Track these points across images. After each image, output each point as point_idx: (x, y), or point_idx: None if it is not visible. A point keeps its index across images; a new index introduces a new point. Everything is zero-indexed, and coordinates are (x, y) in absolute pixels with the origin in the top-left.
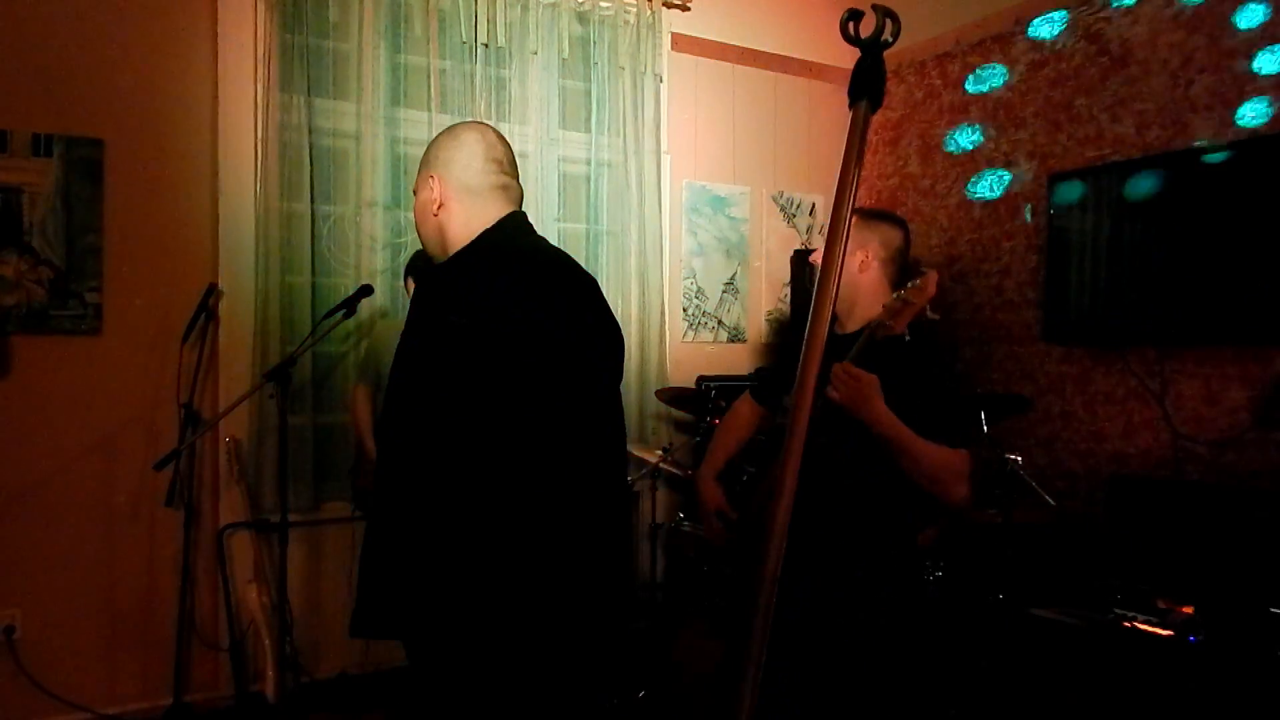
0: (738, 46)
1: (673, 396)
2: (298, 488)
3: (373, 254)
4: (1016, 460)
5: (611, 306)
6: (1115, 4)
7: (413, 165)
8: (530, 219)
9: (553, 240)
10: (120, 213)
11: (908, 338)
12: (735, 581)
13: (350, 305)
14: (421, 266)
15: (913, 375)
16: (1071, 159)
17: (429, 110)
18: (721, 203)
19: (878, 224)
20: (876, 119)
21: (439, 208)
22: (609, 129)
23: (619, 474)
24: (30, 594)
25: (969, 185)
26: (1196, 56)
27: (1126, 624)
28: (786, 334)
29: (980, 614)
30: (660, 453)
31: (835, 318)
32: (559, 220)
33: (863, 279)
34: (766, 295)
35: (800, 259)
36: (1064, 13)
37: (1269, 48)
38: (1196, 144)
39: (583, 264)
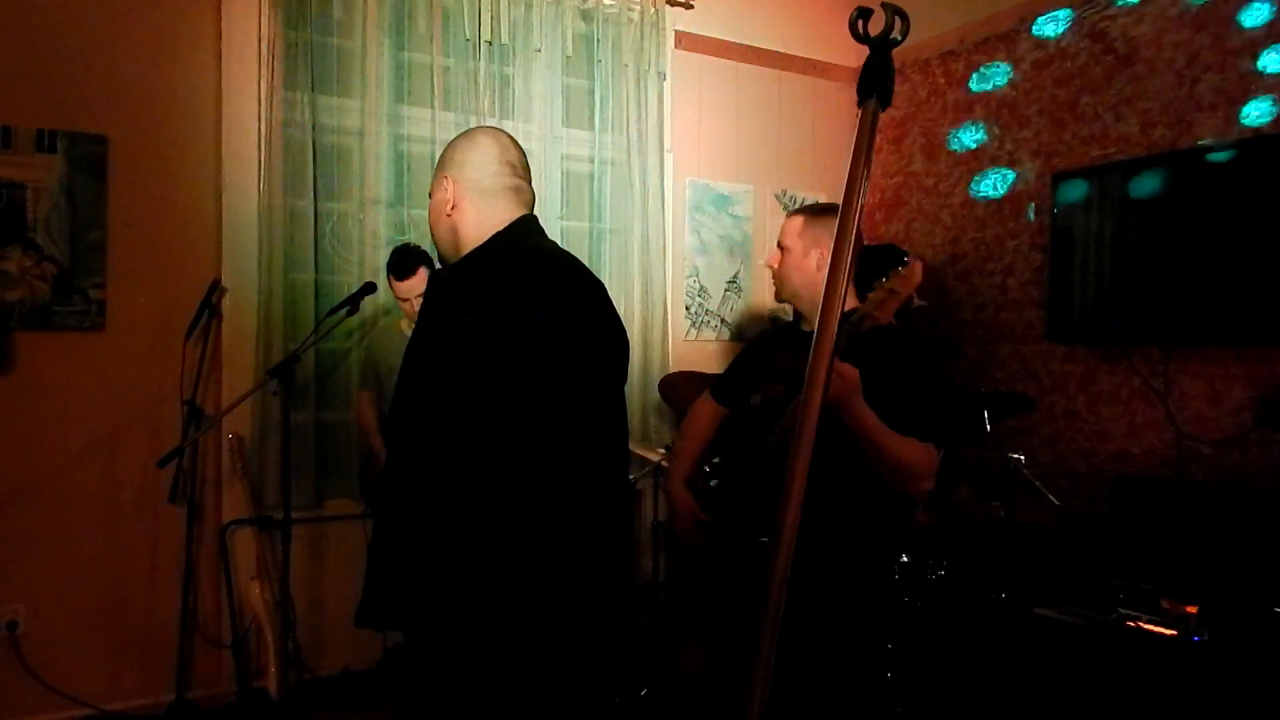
0: (741, 44)
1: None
2: (300, 484)
3: (376, 251)
4: (1020, 459)
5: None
6: (1120, 2)
7: (416, 162)
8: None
9: (556, 238)
10: (124, 209)
11: (896, 325)
12: (716, 585)
13: (353, 302)
14: (396, 262)
15: (891, 367)
16: (1076, 158)
17: (432, 107)
18: (725, 201)
19: (825, 220)
20: (880, 117)
21: (452, 208)
22: (612, 127)
23: (620, 473)
24: (33, 589)
25: (973, 184)
26: (1201, 55)
27: (1130, 624)
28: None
29: (983, 613)
30: (663, 451)
31: (800, 316)
32: (562, 218)
33: (821, 277)
34: (769, 294)
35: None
36: (1068, 11)
37: (1274, 47)
38: (1201, 143)
39: (585, 262)
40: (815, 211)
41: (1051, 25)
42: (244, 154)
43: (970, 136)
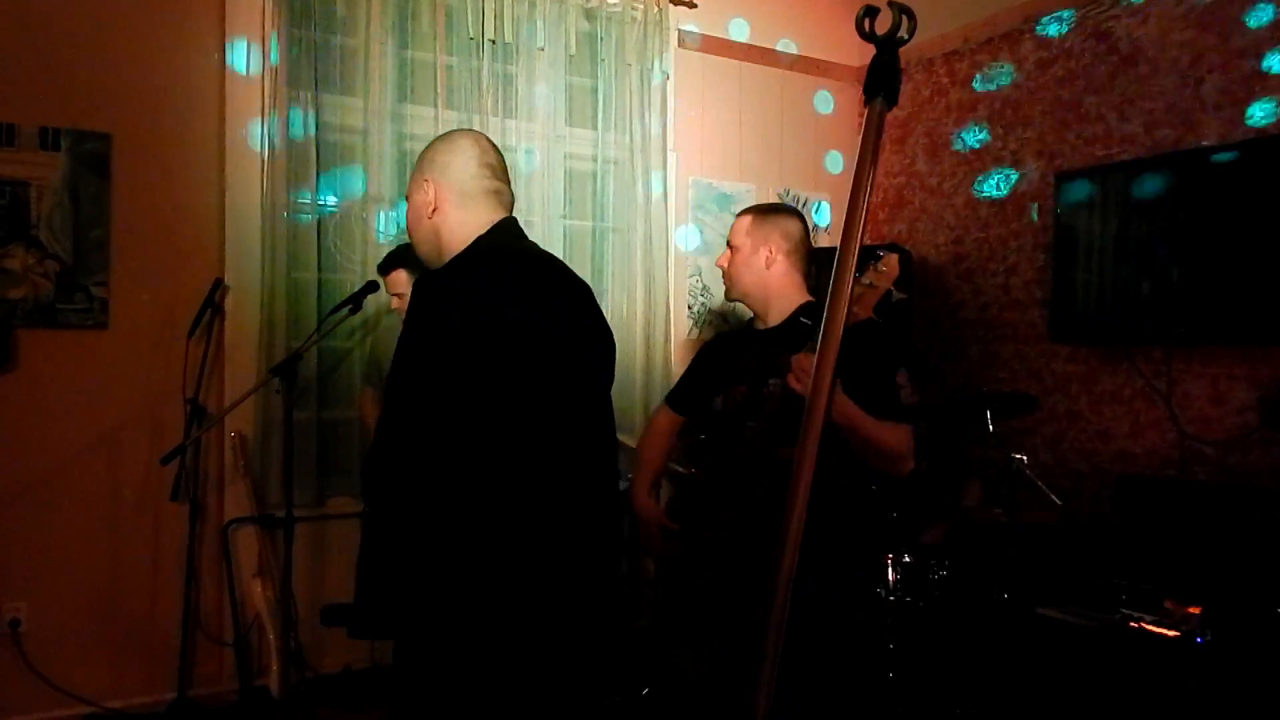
0: (744, 44)
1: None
2: (302, 483)
3: (379, 250)
4: (1022, 459)
5: (616, 303)
6: (1124, 2)
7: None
8: (536, 216)
9: (558, 237)
10: (127, 207)
11: (876, 320)
12: (688, 591)
13: (356, 301)
14: (386, 263)
15: (870, 358)
16: (1079, 158)
17: (435, 106)
18: (728, 200)
19: (774, 218)
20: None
21: (434, 211)
22: (615, 126)
23: (612, 475)
24: (35, 587)
25: (976, 184)
26: (1206, 56)
27: (1133, 624)
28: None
29: (986, 614)
30: None
31: (755, 316)
32: (565, 217)
33: (772, 274)
34: None
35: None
36: (1072, 11)
37: (1279, 47)
38: (1205, 143)
39: (588, 261)
40: (763, 210)
41: (1055, 25)
42: (247, 152)
43: (974, 136)
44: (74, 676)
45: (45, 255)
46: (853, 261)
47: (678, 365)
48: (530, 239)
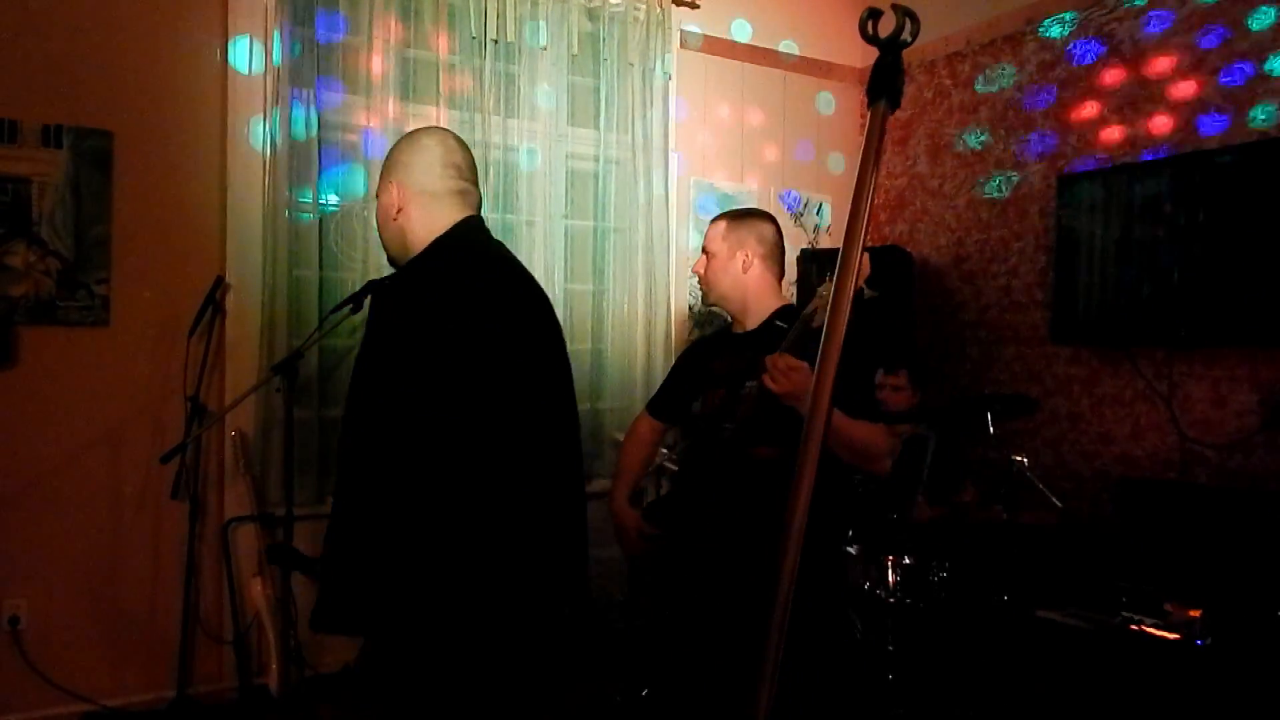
0: (747, 44)
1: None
2: (303, 481)
3: (380, 249)
4: (1023, 461)
5: (617, 304)
6: (1126, 4)
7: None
8: (538, 216)
9: (559, 238)
10: (129, 204)
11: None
12: (667, 593)
13: (357, 300)
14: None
15: (842, 358)
16: (1081, 160)
17: (438, 105)
18: (729, 201)
19: (749, 222)
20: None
21: (398, 212)
22: (617, 126)
23: (576, 471)
24: (35, 585)
25: (977, 185)
26: (1208, 58)
27: (1133, 627)
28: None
29: (986, 615)
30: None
31: (732, 320)
32: (566, 217)
33: (748, 278)
34: None
35: (807, 258)
36: (1075, 13)
37: None
38: (1207, 146)
39: (589, 261)
40: (738, 215)
41: (1058, 27)
42: (249, 150)
43: (975, 138)
44: (73, 674)
45: (46, 252)
46: (855, 264)
47: None
48: (495, 239)
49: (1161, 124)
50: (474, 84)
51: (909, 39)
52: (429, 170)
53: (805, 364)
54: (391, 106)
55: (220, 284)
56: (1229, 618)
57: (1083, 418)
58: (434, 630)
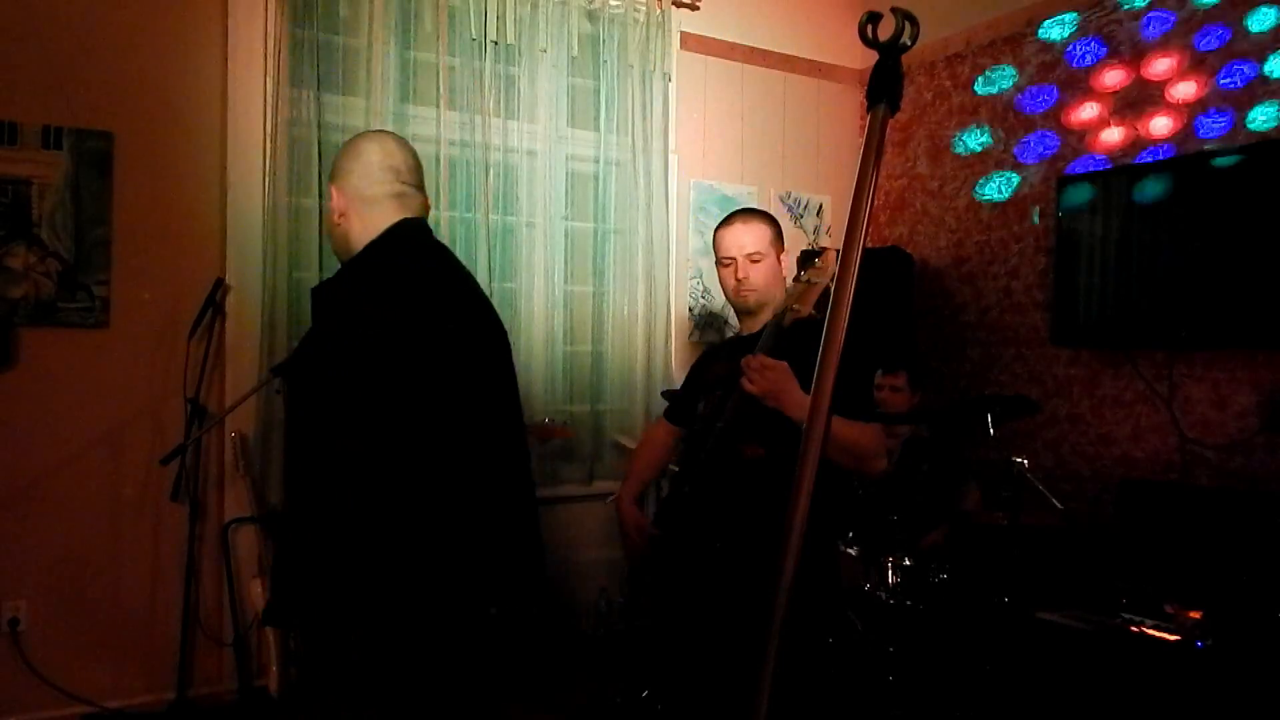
0: (746, 46)
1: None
2: None
3: None
4: (1023, 463)
5: (617, 305)
6: (1126, 6)
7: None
8: (538, 217)
9: (559, 239)
10: (129, 206)
11: (818, 316)
12: (664, 595)
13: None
14: None
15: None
16: (1081, 161)
17: (438, 107)
18: (729, 203)
19: (777, 224)
20: None
21: (340, 217)
22: (617, 127)
23: (523, 462)
24: (35, 586)
25: (977, 187)
26: (1208, 59)
27: (1134, 628)
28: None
29: (986, 617)
30: None
31: (742, 322)
32: (566, 219)
33: (782, 281)
34: None
35: (808, 259)
36: (1075, 14)
37: None
38: (1207, 147)
39: (590, 263)
40: (769, 217)
41: (1058, 28)
42: (249, 152)
43: (975, 139)
44: (73, 676)
45: (47, 254)
46: (855, 266)
47: (678, 368)
48: (433, 238)
49: (1161, 125)
50: (474, 85)
51: (909, 43)
52: (365, 176)
53: (781, 362)
54: (392, 108)
55: (220, 285)
56: (1229, 619)
57: (1083, 419)
58: (365, 625)
